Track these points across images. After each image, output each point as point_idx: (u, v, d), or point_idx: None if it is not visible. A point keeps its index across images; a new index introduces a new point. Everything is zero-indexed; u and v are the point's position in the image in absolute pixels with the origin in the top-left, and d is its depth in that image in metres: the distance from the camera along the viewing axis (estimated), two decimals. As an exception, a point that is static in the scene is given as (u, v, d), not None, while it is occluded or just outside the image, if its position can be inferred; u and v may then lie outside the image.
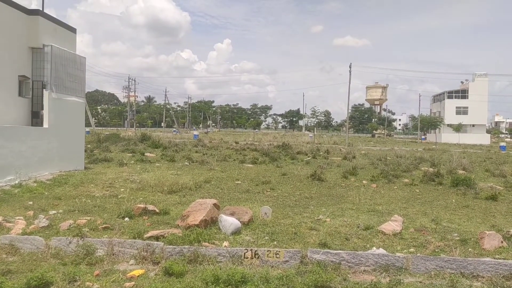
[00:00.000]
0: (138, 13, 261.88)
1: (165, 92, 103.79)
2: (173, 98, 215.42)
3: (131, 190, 11.66)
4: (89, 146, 25.11)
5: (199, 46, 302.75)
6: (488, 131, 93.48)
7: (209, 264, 5.58)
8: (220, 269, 5.31)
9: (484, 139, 75.09)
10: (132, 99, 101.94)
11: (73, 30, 16.26)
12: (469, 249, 6.69)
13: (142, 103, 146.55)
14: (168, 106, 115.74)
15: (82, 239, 6.25)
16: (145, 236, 6.67)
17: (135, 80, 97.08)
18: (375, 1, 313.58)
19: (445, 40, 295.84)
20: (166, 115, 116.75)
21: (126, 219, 8.08)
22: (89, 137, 33.53)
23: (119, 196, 10.73)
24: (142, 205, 8.65)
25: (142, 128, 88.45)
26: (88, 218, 7.94)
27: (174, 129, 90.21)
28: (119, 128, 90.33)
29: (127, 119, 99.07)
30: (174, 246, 6.02)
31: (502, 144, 50.70)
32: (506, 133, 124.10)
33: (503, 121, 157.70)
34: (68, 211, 8.73)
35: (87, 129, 46.71)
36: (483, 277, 5.39)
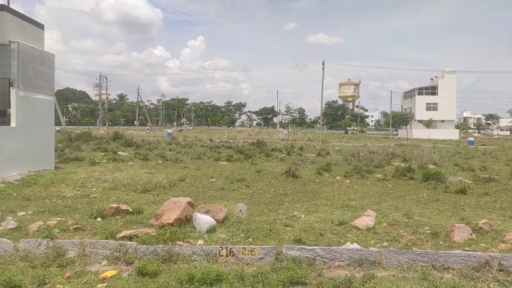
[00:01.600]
0: (109, 9, 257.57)
1: (138, 89, 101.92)
2: (146, 96, 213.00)
3: (104, 190, 11.43)
4: (59, 145, 24.53)
5: (172, 43, 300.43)
6: (457, 127, 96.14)
7: (183, 263, 5.52)
8: (195, 268, 5.26)
9: (453, 134, 77.21)
10: (104, 97, 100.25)
11: (41, 26, 15.78)
12: (440, 242, 6.83)
13: (114, 101, 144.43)
14: (141, 104, 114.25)
15: (52, 240, 6.07)
16: (118, 236, 6.54)
17: (106, 78, 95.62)
18: (347, 0, 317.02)
19: (415, 39, 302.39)
20: (139, 113, 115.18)
21: (98, 219, 7.91)
22: (59, 136, 32.80)
23: (91, 196, 10.50)
24: (114, 205, 8.48)
25: (114, 127, 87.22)
26: (59, 219, 7.73)
27: (148, 127, 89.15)
28: (90, 127, 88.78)
29: (99, 118, 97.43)
30: (147, 246, 5.92)
31: (471, 139, 52.29)
32: (474, 128, 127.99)
33: (471, 117, 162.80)
34: (37, 212, 8.48)
35: (58, 128, 45.66)
36: (454, 269, 5.51)
